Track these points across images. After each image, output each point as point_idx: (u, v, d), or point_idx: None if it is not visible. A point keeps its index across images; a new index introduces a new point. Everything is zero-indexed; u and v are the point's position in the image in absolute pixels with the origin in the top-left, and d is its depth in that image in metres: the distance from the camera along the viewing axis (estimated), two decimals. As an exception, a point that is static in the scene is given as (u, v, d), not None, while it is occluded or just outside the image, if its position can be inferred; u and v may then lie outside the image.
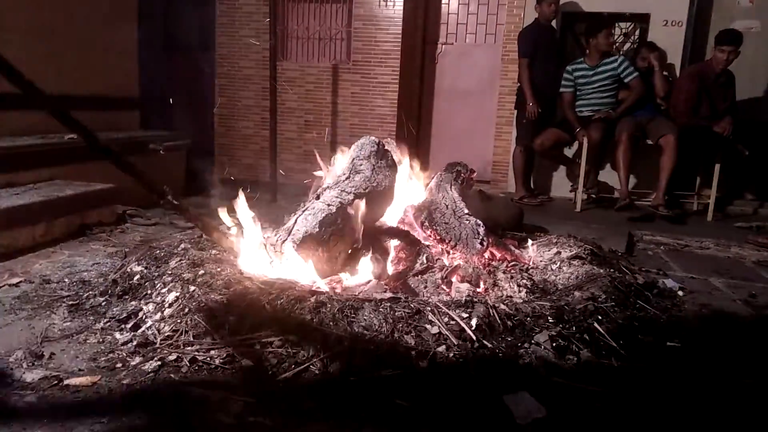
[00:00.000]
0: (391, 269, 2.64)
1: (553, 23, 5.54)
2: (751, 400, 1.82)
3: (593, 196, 5.48)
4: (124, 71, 5.05)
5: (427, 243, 2.82)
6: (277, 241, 2.42)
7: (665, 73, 5.31)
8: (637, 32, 5.84)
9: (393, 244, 2.78)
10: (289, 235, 2.40)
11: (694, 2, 5.49)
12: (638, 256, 3.52)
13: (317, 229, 2.42)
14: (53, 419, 1.51)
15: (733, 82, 5.02)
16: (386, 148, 3.06)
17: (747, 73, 5.18)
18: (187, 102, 6.37)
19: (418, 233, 2.88)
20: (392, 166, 3.01)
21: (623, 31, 5.91)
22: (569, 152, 5.68)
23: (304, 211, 2.53)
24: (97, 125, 4.51)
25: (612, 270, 2.79)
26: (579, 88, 5.29)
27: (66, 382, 1.70)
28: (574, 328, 2.11)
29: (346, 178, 2.79)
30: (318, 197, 2.66)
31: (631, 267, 3.10)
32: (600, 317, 2.22)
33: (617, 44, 5.87)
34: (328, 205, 2.56)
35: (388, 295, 2.24)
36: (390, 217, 3.02)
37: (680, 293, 2.81)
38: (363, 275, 2.52)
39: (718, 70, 4.83)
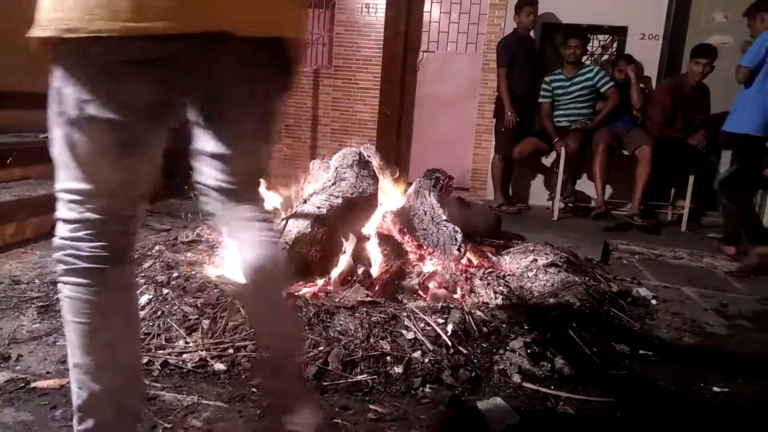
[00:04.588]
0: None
1: (532, 34, 5.59)
2: (720, 408, 1.85)
3: (570, 205, 5.53)
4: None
5: (405, 248, 2.82)
6: None
7: (642, 85, 5.39)
8: (615, 44, 5.93)
9: (374, 249, 2.77)
10: (279, 236, 2.37)
11: (671, 17, 5.59)
12: (613, 265, 3.56)
13: (309, 229, 2.41)
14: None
15: (708, 95, 5.11)
16: (367, 156, 3.08)
17: (721, 87, 5.27)
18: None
19: (397, 239, 2.87)
20: (374, 176, 3.02)
21: (601, 43, 5.99)
22: (547, 161, 5.73)
23: (292, 215, 2.52)
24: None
25: (587, 278, 2.82)
26: (557, 98, 5.34)
27: (33, 384, 1.66)
28: (548, 335, 2.13)
29: (332, 185, 2.78)
30: (305, 201, 2.66)
31: (606, 275, 3.14)
32: (574, 324, 2.24)
33: (595, 56, 5.95)
34: (318, 207, 2.55)
35: (366, 299, 2.23)
36: (369, 223, 3.01)
37: (653, 302, 2.84)
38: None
39: (694, 83, 4.92)
